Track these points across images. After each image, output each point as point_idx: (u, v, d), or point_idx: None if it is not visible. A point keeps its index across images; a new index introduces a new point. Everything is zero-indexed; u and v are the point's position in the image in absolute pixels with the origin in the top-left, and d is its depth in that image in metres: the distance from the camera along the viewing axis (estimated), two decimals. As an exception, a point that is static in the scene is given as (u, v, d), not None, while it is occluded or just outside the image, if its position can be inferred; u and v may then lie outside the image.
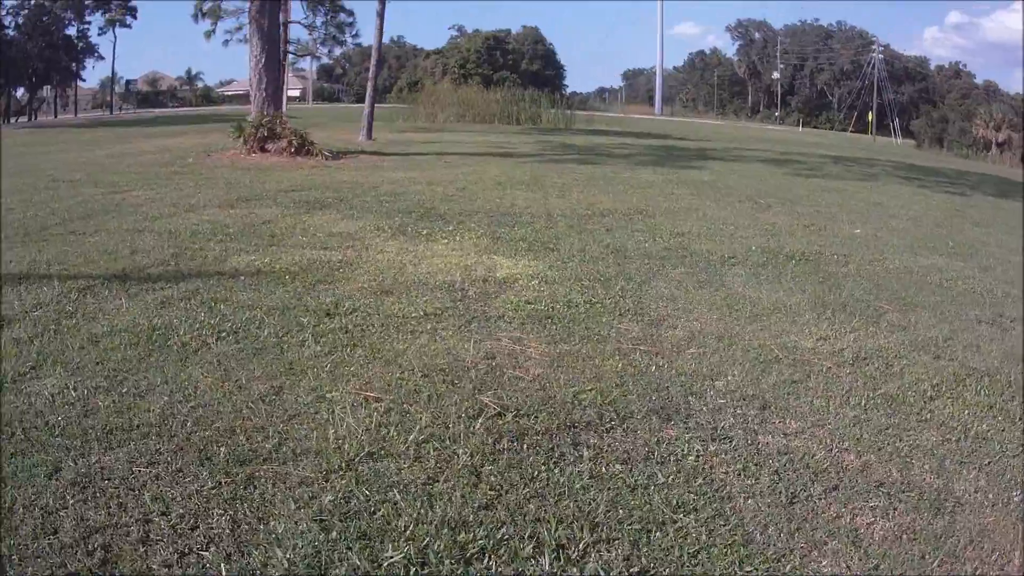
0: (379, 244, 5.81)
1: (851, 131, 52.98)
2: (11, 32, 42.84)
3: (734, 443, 2.46)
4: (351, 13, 22.69)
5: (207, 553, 1.85)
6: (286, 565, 1.77)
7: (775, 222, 7.88)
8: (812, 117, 62.87)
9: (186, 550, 1.86)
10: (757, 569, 1.76)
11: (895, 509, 2.12)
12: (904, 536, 1.97)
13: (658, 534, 1.87)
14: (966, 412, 2.95)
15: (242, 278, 4.54)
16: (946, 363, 3.56)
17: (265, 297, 4.14)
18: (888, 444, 2.57)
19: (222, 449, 2.38)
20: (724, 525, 1.93)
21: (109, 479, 2.19)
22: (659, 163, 14.16)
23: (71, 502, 2.06)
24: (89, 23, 49.01)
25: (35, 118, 45.42)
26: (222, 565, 1.76)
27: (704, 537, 1.87)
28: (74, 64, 48.21)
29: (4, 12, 42.72)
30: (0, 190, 8.20)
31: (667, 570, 1.73)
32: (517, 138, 20.18)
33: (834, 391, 3.03)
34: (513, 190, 9.82)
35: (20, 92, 47.43)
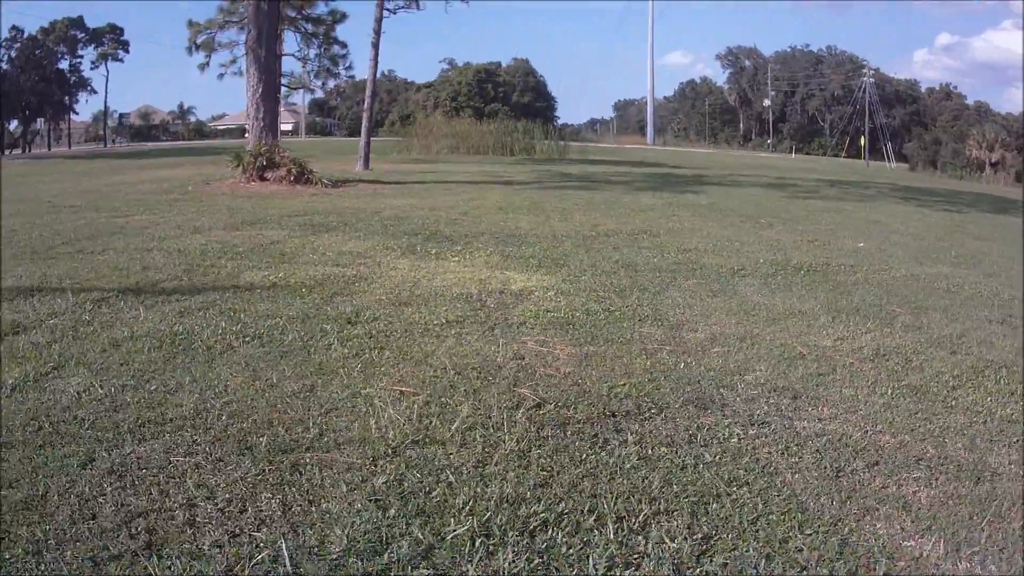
0: (390, 261, 5.83)
1: (844, 156, 53.63)
2: (4, 65, 43.31)
3: (772, 428, 2.48)
4: (344, 45, 23.05)
5: (259, 534, 1.83)
6: (345, 542, 1.75)
7: (779, 239, 7.98)
8: (804, 143, 63.48)
9: (237, 531, 1.84)
10: (817, 532, 1.76)
11: (936, 479, 2.16)
12: (950, 501, 2.01)
13: (715, 505, 1.88)
14: (989, 399, 3.00)
15: (258, 291, 4.55)
16: (963, 357, 3.61)
17: (284, 307, 4.14)
18: (920, 426, 2.60)
19: (262, 439, 2.37)
20: (777, 496, 1.95)
21: (147, 468, 2.17)
22: (657, 189, 14.35)
23: (109, 490, 2.05)
24: (82, 57, 49.69)
25: (29, 150, 45.64)
26: (281, 542, 1.74)
27: (760, 506, 1.88)
28: (67, 97, 48.66)
29: (-2, 47, 43.27)
30: (0, 212, 8.20)
31: (730, 535, 1.73)
32: (513, 168, 20.41)
33: (860, 382, 3.06)
34: (515, 214, 9.91)
35: (14, 125, 47.73)
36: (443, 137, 25.98)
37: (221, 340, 3.38)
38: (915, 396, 2.95)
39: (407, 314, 4.05)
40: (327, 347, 3.37)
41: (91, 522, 1.89)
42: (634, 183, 15.76)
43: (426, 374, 2.96)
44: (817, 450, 2.29)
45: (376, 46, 17.14)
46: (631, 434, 2.38)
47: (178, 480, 2.10)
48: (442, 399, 2.68)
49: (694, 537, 1.74)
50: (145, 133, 56.91)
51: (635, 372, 3.06)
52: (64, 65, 48.05)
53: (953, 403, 2.92)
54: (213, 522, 1.89)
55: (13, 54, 43.57)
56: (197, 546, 1.79)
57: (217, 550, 1.77)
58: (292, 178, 13.34)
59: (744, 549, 1.70)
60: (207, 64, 21.31)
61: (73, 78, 48.20)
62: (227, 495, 2.02)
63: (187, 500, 1.99)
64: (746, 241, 7.62)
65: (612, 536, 1.75)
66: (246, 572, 1.68)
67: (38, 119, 48.55)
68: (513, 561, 1.65)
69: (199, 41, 19.76)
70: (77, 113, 52.04)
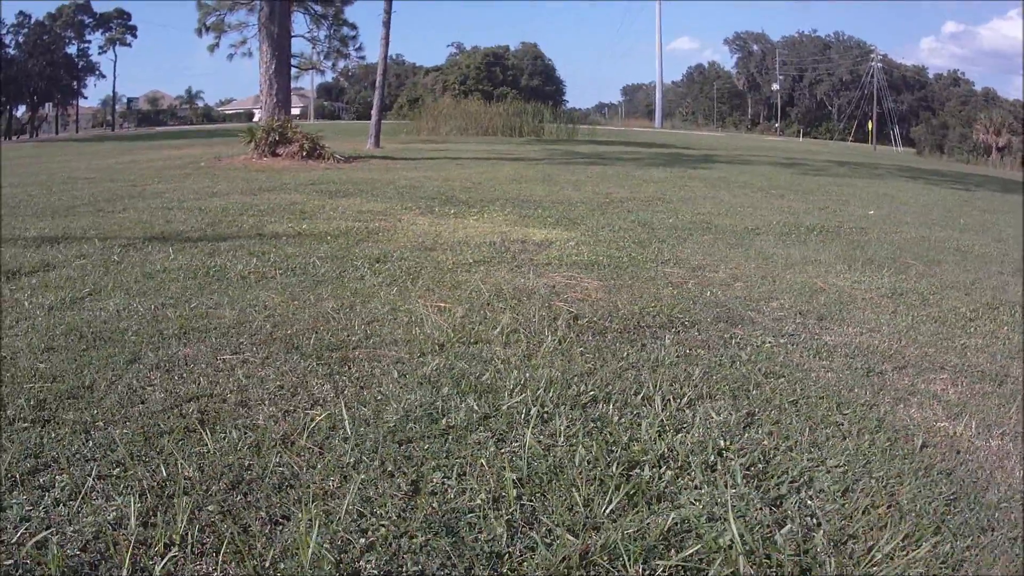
0: (411, 219, 5.93)
1: (851, 140, 53.85)
2: (11, 51, 43.33)
3: (802, 338, 2.59)
4: (354, 27, 22.97)
5: (313, 411, 1.93)
6: (401, 413, 1.85)
7: (791, 206, 8.04)
8: (812, 128, 63.74)
9: (291, 408, 1.95)
10: (855, 412, 1.86)
11: (963, 381, 2.27)
12: (977, 395, 2.09)
13: (755, 391, 1.99)
14: (1005, 328, 3.10)
15: (284, 238, 4.64)
16: (977, 296, 3.71)
17: (313, 250, 4.24)
18: (942, 343, 2.70)
19: (309, 341, 2.47)
20: (814, 385, 2.06)
21: (194, 364, 2.27)
22: (668, 165, 14.39)
23: (157, 380, 2.14)
24: (89, 42, 49.65)
25: (36, 136, 45.73)
26: (341, 405, 1.85)
27: (799, 391, 1.98)
28: (75, 82, 48.70)
29: (4, 31, 43.25)
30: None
31: (773, 412, 1.83)
32: (523, 147, 20.44)
33: (882, 310, 3.15)
34: (529, 184, 9.98)
35: (21, 111, 47.85)
36: (452, 118, 25.97)
37: (255, 271, 3.48)
38: (935, 323, 3.05)
39: (434, 256, 4.15)
40: (360, 278, 3.47)
41: (140, 406, 1.99)
42: (644, 160, 15.80)
43: (462, 295, 3.06)
44: (847, 355, 2.39)
45: (387, 24, 17.15)
46: (668, 340, 2.49)
47: (227, 372, 2.21)
48: (482, 311, 2.78)
49: (739, 413, 1.84)
50: (153, 118, 56.96)
51: (663, 298, 3.16)
52: (72, 50, 48.13)
53: (972, 330, 3.01)
54: (266, 403, 2.00)
55: (21, 39, 43.59)
56: (251, 421, 1.90)
57: (272, 422, 1.88)
58: (304, 153, 13.40)
59: (787, 421, 1.79)
60: (217, 45, 21.22)
61: (81, 63, 48.23)
62: (278, 383, 2.12)
63: (238, 387, 2.10)
64: (759, 207, 7.69)
65: (660, 411, 1.85)
66: (304, 439, 1.78)
67: (46, 104, 48.62)
68: (569, 426, 1.75)
69: (209, 22, 19.70)
70: (86, 98, 52.28)
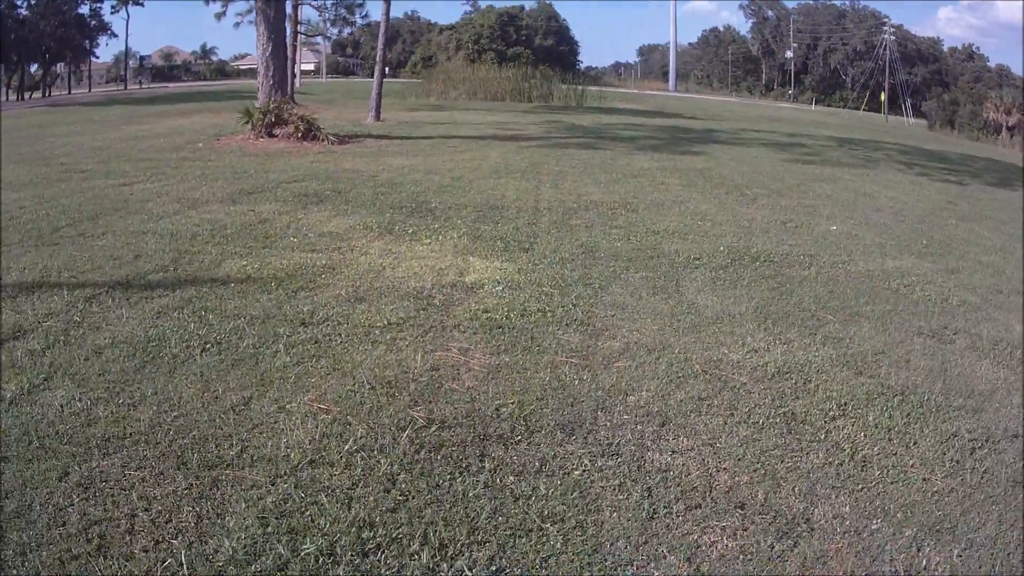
0: (364, 245, 6.19)
1: (864, 110, 53.27)
2: (23, 11, 43.54)
3: (622, 459, 2.83)
4: (361, -6, 22.83)
5: (175, 541, 2.28)
6: (230, 552, 2.20)
7: (754, 217, 8.12)
8: (826, 95, 63.14)
9: (160, 539, 2.30)
10: (602, 573, 2.14)
11: (745, 530, 2.43)
12: (741, 556, 2.31)
13: (523, 540, 2.27)
14: (862, 434, 3.20)
15: (232, 284, 4.96)
16: (865, 380, 3.81)
17: (250, 305, 4.55)
18: (767, 466, 2.89)
19: (195, 455, 2.81)
20: (581, 536, 2.31)
21: (106, 481, 2.61)
22: (659, 148, 14.31)
23: (76, 500, 2.49)
24: (101, 2, 49.55)
25: (49, 94, 46.31)
26: (182, 552, 2.21)
27: (559, 545, 2.26)
28: (87, 42, 48.89)
29: (17, -8, 43.34)
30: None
31: (519, 571, 2.14)
32: (525, 118, 20.32)
33: (738, 408, 3.37)
34: (508, 179, 10.14)
35: (34, 68, 48.35)
36: (461, 82, 25.78)
37: (185, 349, 3.81)
38: (786, 427, 3.23)
39: (357, 313, 4.44)
40: (274, 354, 3.78)
41: (61, 528, 2.33)
42: (638, 140, 15.69)
43: (345, 388, 3.37)
44: (649, 488, 2.63)
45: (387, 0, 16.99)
46: (491, 460, 2.76)
47: (127, 492, 2.54)
48: (347, 418, 3.10)
49: (490, 569, 2.15)
50: (167, 73, 57.06)
51: (531, 388, 3.42)
52: (84, 10, 48.15)
53: (823, 437, 3.16)
54: (145, 530, 2.34)
55: (33, 1, 43.66)
56: (131, 551, 2.25)
57: (144, 555, 2.24)
58: (300, 135, 13.66)
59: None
60: (223, 13, 21.31)
61: (93, 23, 48.26)
62: (160, 507, 2.46)
63: (131, 511, 2.43)
64: (719, 220, 7.78)
65: (424, 562, 2.17)
66: (158, 574, 2.13)
67: (58, 63, 48.99)
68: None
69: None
70: (97, 57, 52.46)
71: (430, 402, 3.26)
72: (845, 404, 3.53)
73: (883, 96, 48.17)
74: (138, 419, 3.09)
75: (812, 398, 3.58)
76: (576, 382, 3.51)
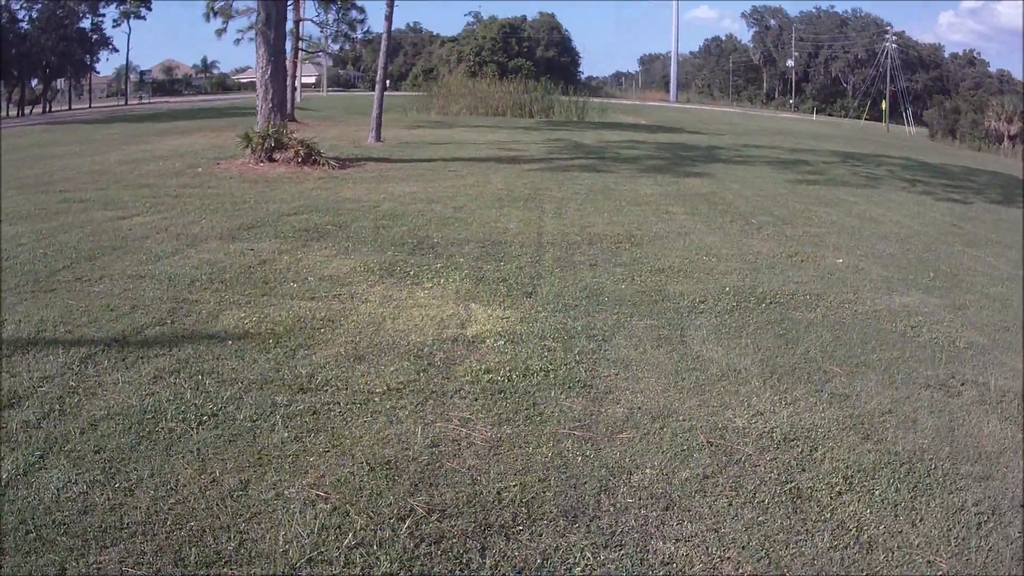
0: (365, 291, 6.13)
1: (865, 119, 53.46)
2: (25, 26, 43.85)
3: (625, 551, 2.76)
4: (362, 10, 22.92)
5: None
6: None
7: (760, 251, 8.04)
8: (827, 104, 63.50)
9: None
10: None
11: None
12: None
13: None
14: (868, 511, 3.14)
15: (230, 342, 4.90)
16: (872, 446, 3.74)
17: (248, 367, 4.49)
18: (772, 553, 2.82)
19: (193, 550, 2.74)
20: None
21: None
22: (663, 169, 14.25)
23: None
24: (103, 16, 49.88)
25: (49, 109, 46.55)
26: None
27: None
28: (88, 56, 49.21)
29: (18, 6, 43.68)
30: None
31: None
32: (527, 136, 20.29)
33: (744, 486, 3.29)
34: (511, 208, 10.09)
35: (35, 82, 48.65)
36: (462, 97, 25.82)
37: (182, 423, 3.74)
38: (793, 506, 3.16)
39: (357, 376, 4.38)
40: (272, 428, 3.72)
41: None
42: (641, 160, 15.64)
43: (344, 471, 3.31)
44: (655, 585, 2.58)
45: (389, 19, 17.02)
46: (491, 556, 2.70)
47: None
48: (346, 506, 3.03)
49: None
50: (168, 88, 57.37)
51: (533, 467, 3.35)
52: (86, 24, 48.50)
53: (829, 516, 3.09)
54: None
55: (34, 14, 44.00)
56: None
57: None
58: (300, 159, 13.65)
59: None
60: (224, 30, 21.36)
61: (94, 37, 48.61)
62: None
63: None
64: (724, 256, 7.71)
65: None
66: None
67: (59, 79, 49.32)
68: None
69: (216, 7, 19.79)
70: (98, 72, 52.85)
71: (431, 486, 3.19)
72: (851, 476, 3.46)
73: (884, 104, 48.27)
74: (135, 506, 3.02)
75: (818, 470, 3.50)
76: (579, 459, 3.44)
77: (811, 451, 3.68)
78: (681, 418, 3.93)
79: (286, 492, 3.16)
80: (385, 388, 4.21)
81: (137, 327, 5.18)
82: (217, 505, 3.06)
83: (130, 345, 4.85)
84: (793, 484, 3.35)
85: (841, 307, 6.16)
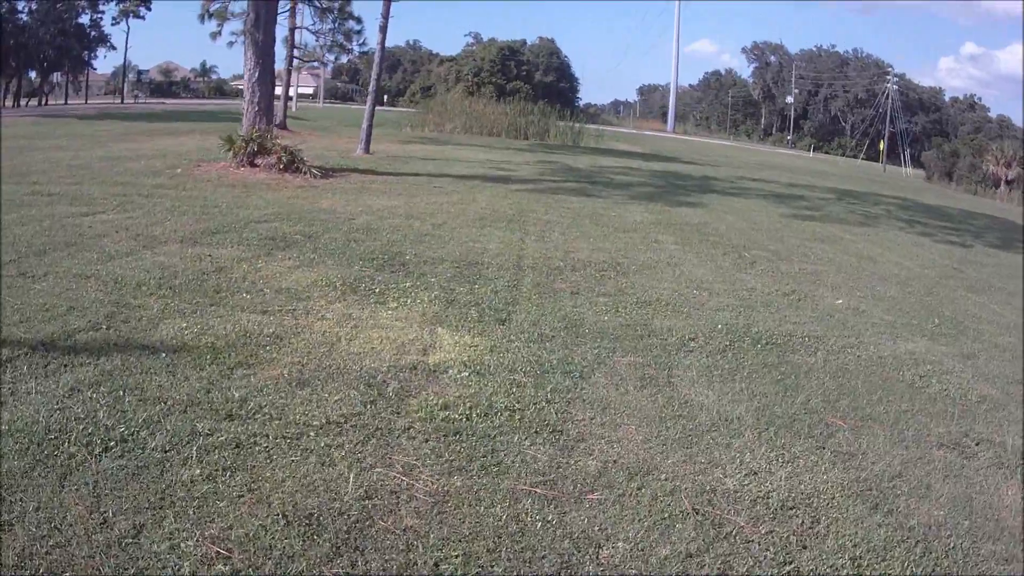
0: (321, 309, 5.58)
1: (862, 159, 53.71)
2: (24, 17, 43.45)
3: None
4: (360, 20, 22.62)
5: None
6: None
7: (754, 287, 7.58)
8: (824, 142, 63.94)
9: None
10: None
11: None
12: None
13: None
14: None
15: (163, 355, 4.33)
16: (882, 518, 3.23)
17: (177, 385, 3.92)
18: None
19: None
20: None
21: None
22: (654, 197, 13.86)
23: None
24: (103, 12, 49.60)
25: (45, 102, 45.96)
26: None
27: None
28: (86, 52, 48.81)
29: (18, -2, 43.38)
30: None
31: None
32: (519, 157, 19.92)
33: (735, 567, 2.75)
34: (492, 228, 9.59)
35: (33, 75, 48.22)
36: (458, 115, 25.51)
37: (86, 447, 3.18)
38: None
39: (295, 404, 3.82)
40: (183, 462, 3.15)
41: None
42: (633, 187, 15.26)
43: (255, 523, 2.74)
44: None
45: (384, 30, 16.67)
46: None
47: None
48: (248, 570, 2.46)
49: None
50: (165, 89, 57.02)
51: (483, 532, 2.80)
52: (84, 20, 48.23)
53: None
54: None
55: (34, 7, 43.66)
56: None
57: None
58: (282, 166, 13.12)
59: None
60: (219, 33, 21.02)
61: (93, 33, 48.29)
62: None
63: None
64: (716, 290, 7.23)
65: None
66: None
67: (56, 72, 48.94)
68: None
69: (212, 10, 19.43)
70: (95, 68, 52.44)
71: (355, 550, 2.63)
72: (860, 556, 2.95)
73: (882, 145, 48.61)
74: (9, 545, 2.47)
75: (821, 548, 2.98)
76: (539, 524, 2.88)
77: (813, 523, 3.16)
78: (663, 477, 3.39)
79: (183, 545, 2.60)
80: (324, 421, 3.65)
81: (69, 331, 4.61)
82: (101, 554, 2.50)
83: (56, 350, 4.27)
84: (793, 566, 2.81)
85: (843, 352, 5.67)
